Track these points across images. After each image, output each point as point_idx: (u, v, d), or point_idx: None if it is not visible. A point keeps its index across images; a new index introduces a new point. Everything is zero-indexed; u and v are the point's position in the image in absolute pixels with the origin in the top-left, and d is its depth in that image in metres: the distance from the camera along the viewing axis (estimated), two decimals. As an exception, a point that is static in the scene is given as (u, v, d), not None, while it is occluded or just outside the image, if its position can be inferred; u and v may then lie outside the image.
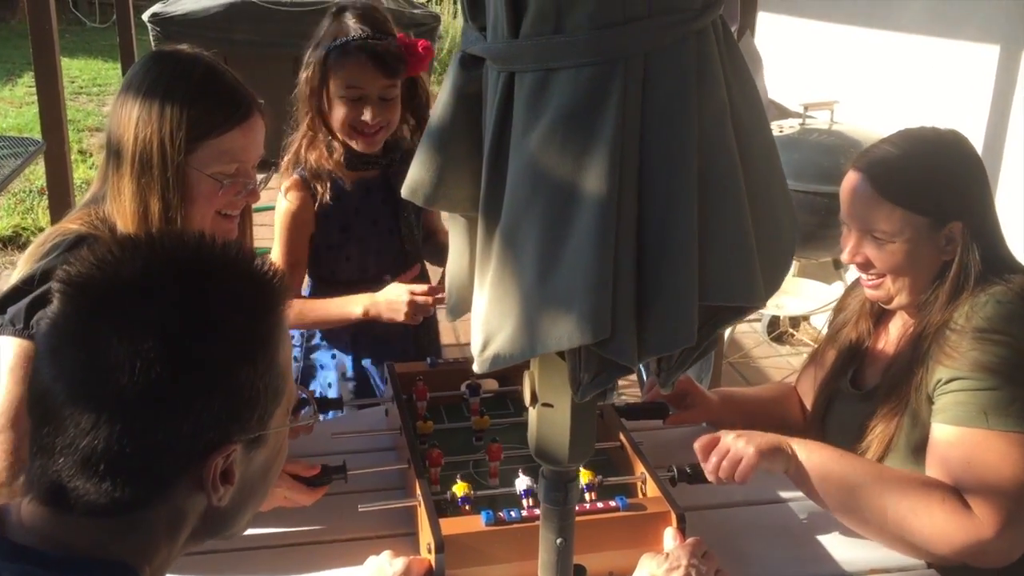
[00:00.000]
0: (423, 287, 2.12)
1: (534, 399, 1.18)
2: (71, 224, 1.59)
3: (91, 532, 0.91)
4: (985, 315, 1.56)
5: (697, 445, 1.60)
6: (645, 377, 2.70)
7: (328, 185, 2.17)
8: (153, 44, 6.76)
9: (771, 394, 2.06)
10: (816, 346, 2.02)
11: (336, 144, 2.20)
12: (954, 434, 1.53)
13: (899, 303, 1.71)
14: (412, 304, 2.08)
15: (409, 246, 2.31)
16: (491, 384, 1.97)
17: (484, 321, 1.05)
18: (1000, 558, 1.49)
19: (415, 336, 2.35)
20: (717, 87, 0.99)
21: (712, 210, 0.99)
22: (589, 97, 0.94)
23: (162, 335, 0.87)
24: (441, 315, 4.78)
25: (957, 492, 1.49)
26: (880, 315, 1.83)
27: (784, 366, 4.29)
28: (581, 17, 0.93)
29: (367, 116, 2.13)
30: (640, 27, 0.94)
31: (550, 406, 1.18)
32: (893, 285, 1.68)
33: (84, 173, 6.95)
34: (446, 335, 4.51)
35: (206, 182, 1.58)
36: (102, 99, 9.85)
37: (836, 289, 4.17)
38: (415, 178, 1.10)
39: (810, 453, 1.58)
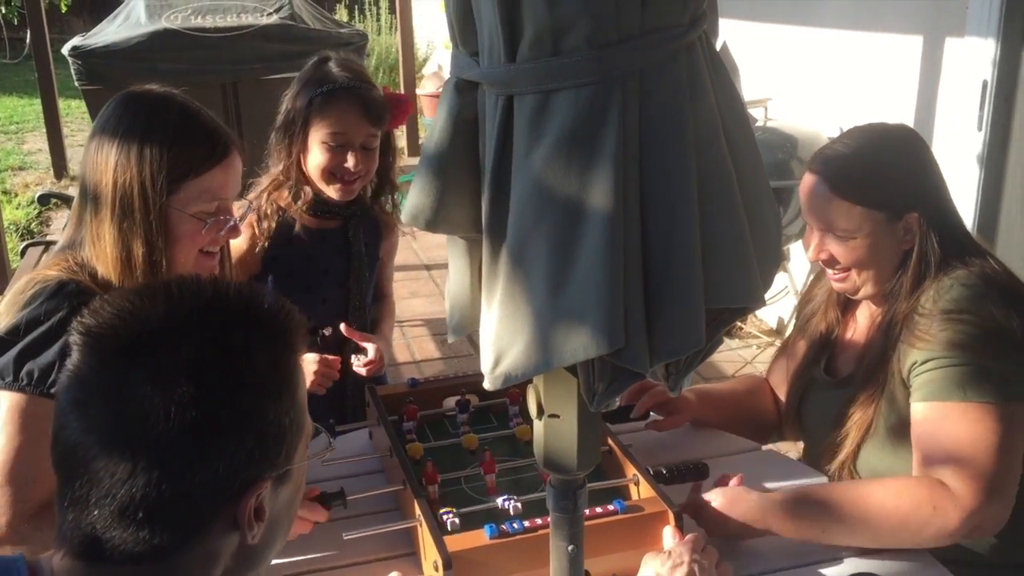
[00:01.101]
0: (334, 358, 2.10)
1: (540, 411, 1.21)
2: (49, 271, 1.57)
3: None
4: (951, 297, 1.63)
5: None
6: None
7: (274, 228, 2.15)
8: (75, 78, 6.61)
9: (745, 388, 2.11)
10: (788, 336, 2.08)
11: (308, 189, 2.18)
12: (935, 409, 1.59)
13: (865, 293, 1.77)
14: (318, 372, 2.05)
15: (356, 301, 2.30)
16: (473, 399, 1.98)
17: (495, 339, 1.07)
18: (996, 524, 1.55)
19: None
20: (707, 98, 1.03)
21: (711, 217, 1.02)
22: (590, 116, 0.97)
23: (195, 379, 0.87)
24: (395, 334, 4.79)
25: (933, 481, 1.54)
26: (847, 304, 1.90)
27: (735, 359, 4.38)
28: (578, 39, 0.96)
29: (350, 163, 2.12)
30: (635, 45, 0.97)
31: (556, 417, 1.20)
32: (859, 277, 1.74)
33: (11, 214, 6.79)
34: (401, 354, 4.53)
35: (188, 222, 1.57)
36: (21, 137, 9.64)
37: (781, 281, 4.28)
38: (415, 204, 1.12)
39: (786, 523, 1.57)
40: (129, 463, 0.86)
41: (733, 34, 4.41)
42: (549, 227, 1.00)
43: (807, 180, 1.75)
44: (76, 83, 6.70)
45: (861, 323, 1.85)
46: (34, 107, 9.98)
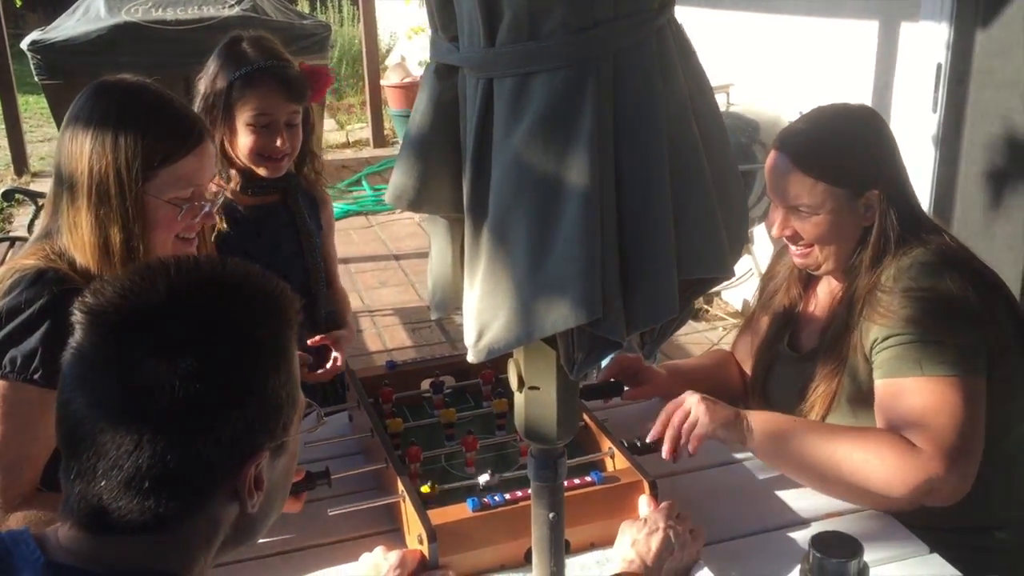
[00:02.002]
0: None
1: (521, 384, 1.25)
2: (27, 260, 1.59)
3: (133, 550, 0.95)
4: (911, 276, 1.68)
5: (667, 408, 1.70)
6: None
7: (223, 214, 2.15)
8: (34, 73, 6.55)
9: (713, 362, 2.18)
10: (752, 312, 2.14)
11: (233, 172, 2.21)
12: (895, 385, 1.65)
13: (827, 269, 1.83)
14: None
15: (315, 272, 2.34)
16: (449, 380, 2.03)
17: (477, 313, 1.11)
18: (952, 495, 1.59)
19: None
20: (676, 79, 1.08)
21: (683, 192, 1.07)
22: (566, 98, 1.02)
23: (199, 352, 0.91)
24: (365, 323, 4.82)
25: (903, 437, 1.60)
26: (808, 280, 1.96)
27: (702, 341, 4.45)
28: (554, 23, 1.00)
29: (278, 142, 2.15)
30: (608, 29, 1.02)
31: (536, 389, 1.25)
32: (821, 253, 1.80)
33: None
34: (373, 343, 4.57)
35: (164, 208, 1.59)
36: (-19, 134, 9.48)
37: (745, 263, 4.36)
38: (398, 185, 1.16)
39: (764, 425, 1.66)
40: (135, 435, 0.90)
41: (695, 21, 4.47)
42: (528, 204, 1.04)
43: (771, 157, 1.81)
44: (36, 78, 6.65)
45: (822, 298, 1.92)
46: (-9, 103, 9.83)
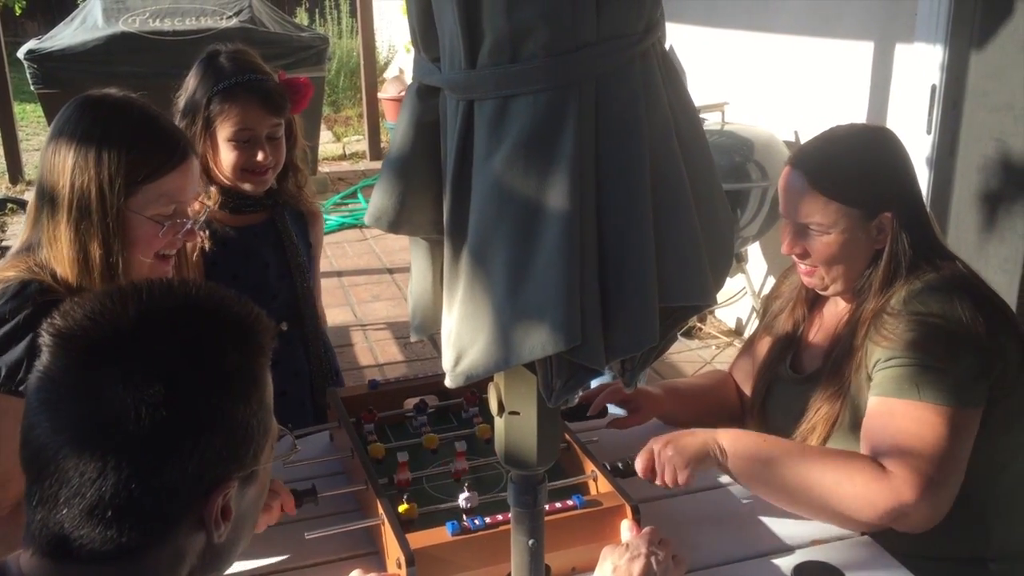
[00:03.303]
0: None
1: (501, 409, 1.24)
2: (8, 272, 1.57)
3: None
4: (920, 300, 1.66)
5: (639, 465, 1.68)
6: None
7: (208, 233, 2.12)
8: (31, 82, 6.55)
9: (710, 382, 2.15)
10: (753, 333, 2.11)
11: (213, 190, 2.16)
12: (888, 404, 1.62)
13: (835, 290, 1.81)
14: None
15: (303, 292, 2.31)
16: (432, 400, 2.01)
17: (455, 337, 1.10)
18: (923, 522, 1.57)
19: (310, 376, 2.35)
20: (660, 103, 1.07)
21: (665, 218, 1.06)
22: (547, 121, 1.00)
23: (166, 379, 0.89)
24: (357, 338, 4.79)
25: (875, 460, 1.58)
26: (814, 301, 1.93)
27: (695, 359, 4.44)
28: (535, 46, 0.99)
29: (260, 157, 2.12)
30: (591, 53, 1.00)
31: (516, 414, 1.23)
32: (828, 275, 1.78)
33: (-32, 218, 6.69)
34: (364, 357, 4.55)
35: (146, 224, 1.58)
36: (-24, 141, 9.47)
37: (739, 282, 4.34)
38: (378, 205, 1.15)
39: (735, 445, 1.64)
40: (99, 462, 0.88)
41: (690, 39, 4.48)
42: (508, 228, 1.03)
43: (785, 174, 1.79)
44: (32, 87, 6.64)
45: (828, 320, 1.89)
46: (-12, 111, 9.81)
